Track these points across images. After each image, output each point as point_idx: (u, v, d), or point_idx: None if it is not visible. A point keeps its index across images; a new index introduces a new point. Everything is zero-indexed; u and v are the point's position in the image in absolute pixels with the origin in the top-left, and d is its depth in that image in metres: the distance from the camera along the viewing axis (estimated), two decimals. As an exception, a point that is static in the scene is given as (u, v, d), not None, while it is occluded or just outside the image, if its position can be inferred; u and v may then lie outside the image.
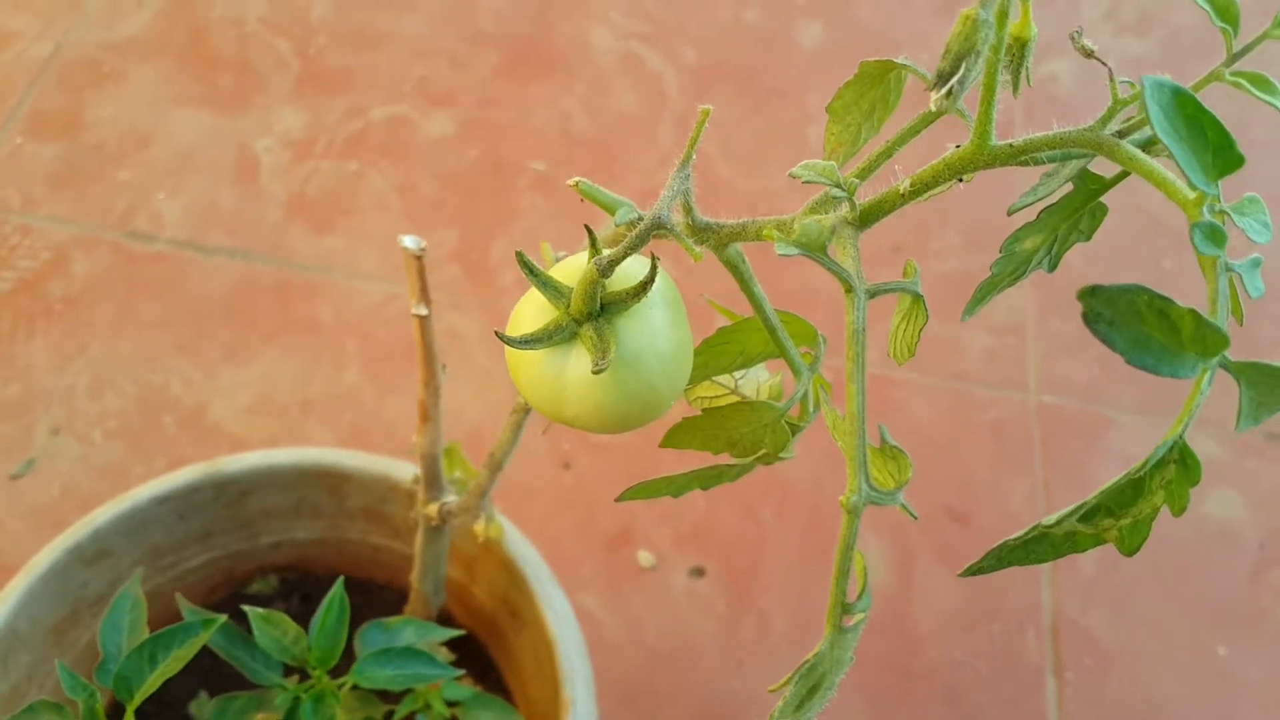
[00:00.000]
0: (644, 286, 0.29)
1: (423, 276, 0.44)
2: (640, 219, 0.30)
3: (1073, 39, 0.24)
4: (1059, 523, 0.22)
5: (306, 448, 0.65)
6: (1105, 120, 0.24)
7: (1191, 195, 0.21)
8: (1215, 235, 0.21)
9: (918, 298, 0.27)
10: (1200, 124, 0.20)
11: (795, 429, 0.33)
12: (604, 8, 1.23)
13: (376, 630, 0.48)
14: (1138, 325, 0.20)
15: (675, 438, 0.34)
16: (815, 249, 0.24)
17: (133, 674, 0.40)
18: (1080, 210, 0.29)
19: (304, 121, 1.11)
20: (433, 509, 0.53)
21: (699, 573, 0.88)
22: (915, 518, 0.25)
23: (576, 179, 0.30)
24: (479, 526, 0.60)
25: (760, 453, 0.34)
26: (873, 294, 0.25)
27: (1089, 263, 1.09)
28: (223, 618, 0.44)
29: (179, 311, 0.98)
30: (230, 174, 1.07)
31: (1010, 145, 0.24)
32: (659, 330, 0.30)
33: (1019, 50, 0.25)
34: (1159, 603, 0.90)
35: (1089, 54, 0.24)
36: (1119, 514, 0.22)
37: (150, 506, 0.62)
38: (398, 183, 1.08)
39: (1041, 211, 0.29)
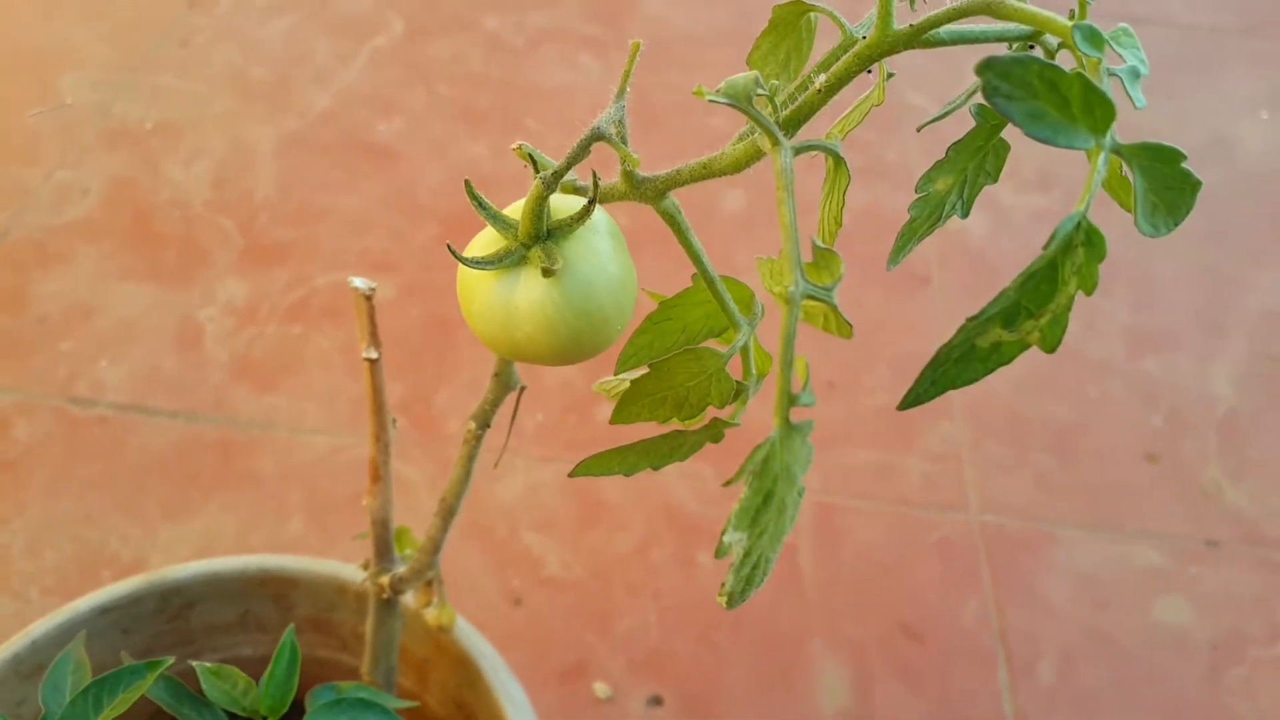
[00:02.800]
0: (589, 206, 0.31)
1: (373, 319, 0.45)
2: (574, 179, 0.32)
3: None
4: (980, 329, 0.24)
5: (251, 555, 0.64)
6: (990, -13, 0.27)
7: (1068, 22, 0.24)
8: (1094, 38, 0.23)
9: (839, 160, 0.29)
10: (1064, -58, 0.23)
11: (740, 388, 0.34)
12: (537, 181, 1.29)
13: (328, 689, 0.47)
14: (1033, 98, 0.22)
15: (624, 408, 0.35)
16: (741, 99, 0.26)
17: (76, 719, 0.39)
18: (985, 147, 0.31)
19: (247, 290, 1.13)
20: (384, 579, 0.52)
21: (657, 701, 0.86)
22: (849, 330, 0.26)
23: (519, 143, 0.32)
24: (431, 613, 0.59)
25: (709, 424, 0.35)
26: (798, 151, 0.27)
27: (1016, 393, 1.13)
28: (169, 660, 0.43)
29: (119, 472, 0.97)
30: (173, 342, 1.08)
31: (911, 26, 0.26)
32: (605, 253, 0.32)
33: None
34: (1121, 710, 0.89)
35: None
36: (1038, 312, 0.24)
37: (91, 617, 0.60)
38: (341, 343, 1.10)
39: (949, 148, 0.32)
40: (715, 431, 0.36)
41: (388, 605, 0.54)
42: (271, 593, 0.64)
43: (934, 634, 0.92)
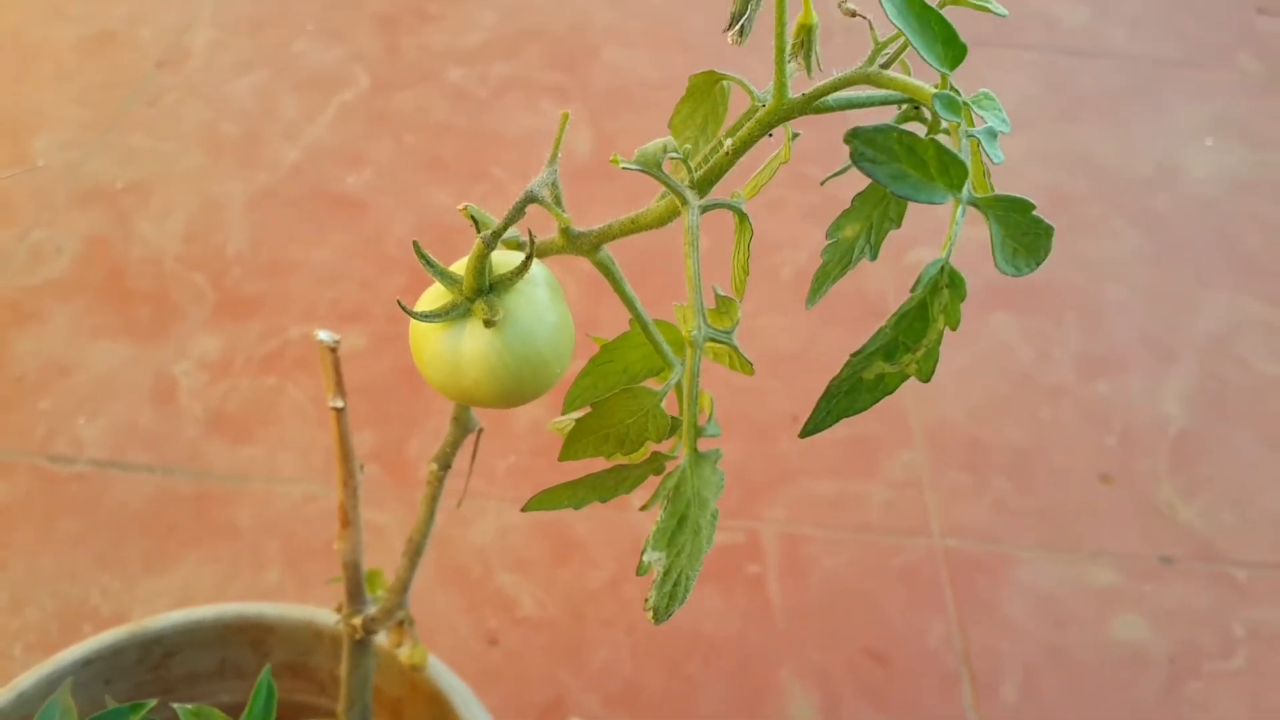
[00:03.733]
0: (526, 262, 0.34)
1: (338, 370, 0.48)
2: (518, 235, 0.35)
3: (840, 7, 0.30)
4: (865, 363, 0.26)
5: (228, 603, 0.66)
6: (871, 60, 0.30)
7: (932, 90, 0.27)
8: (952, 105, 0.26)
9: (743, 216, 0.31)
10: (927, 19, 0.26)
11: (676, 424, 0.37)
12: (503, 228, 1.32)
13: (305, 728, 0.49)
14: (894, 161, 0.25)
15: (570, 446, 0.37)
16: (651, 165, 0.29)
17: (63, 762, 0.41)
18: (886, 196, 0.34)
19: (220, 344, 1.16)
20: (357, 620, 0.54)
21: (630, 733, 0.88)
22: (750, 368, 0.29)
23: (465, 204, 0.35)
24: (404, 653, 0.61)
25: (650, 458, 0.38)
26: (705, 209, 0.30)
27: (973, 419, 1.16)
28: (152, 702, 0.45)
29: (98, 527, 0.99)
30: (149, 397, 1.10)
31: (804, 95, 0.29)
32: (543, 303, 0.35)
33: (807, 37, 0.31)
34: (1082, 725, 0.92)
35: (852, 14, 0.30)
36: (914, 347, 0.26)
37: (75, 669, 0.62)
38: (314, 394, 1.12)
39: (854, 198, 0.35)
40: (656, 464, 0.39)
41: (361, 646, 0.56)
42: (249, 640, 0.66)
43: (900, 657, 0.95)
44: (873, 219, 0.34)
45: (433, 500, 0.48)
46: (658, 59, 1.60)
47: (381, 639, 0.61)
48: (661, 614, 0.27)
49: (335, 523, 1.04)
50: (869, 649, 0.95)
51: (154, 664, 0.65)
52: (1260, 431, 1.17)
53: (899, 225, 0.35)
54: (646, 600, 0.28)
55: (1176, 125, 1.59)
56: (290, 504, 1.02)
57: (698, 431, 0.28)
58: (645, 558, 0.27)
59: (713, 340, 0.29)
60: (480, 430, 0.46)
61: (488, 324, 0.34)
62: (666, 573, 0.27)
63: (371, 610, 0.55)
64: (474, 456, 0.47)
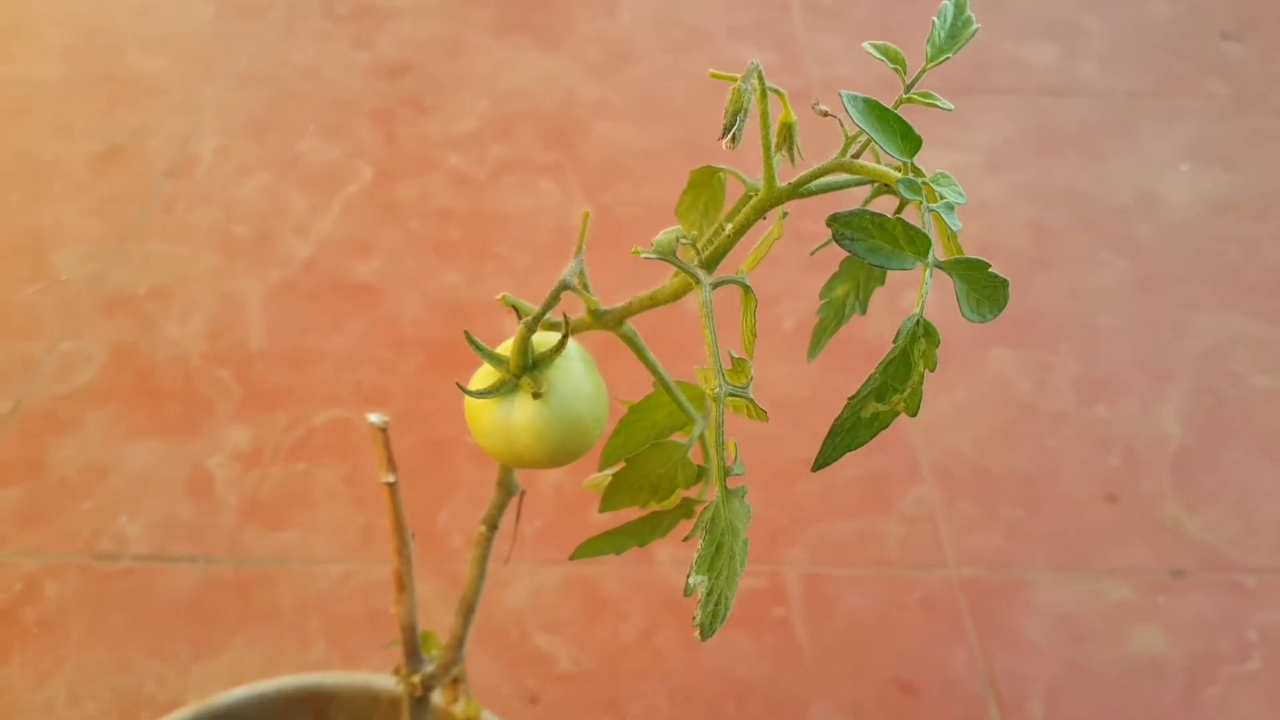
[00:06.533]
0: (563, 341, 0.39)
1: (388, 447, 0.52)
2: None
3: (814, 108, 0.35)
4: (861, 404, 0.31)
5: (288, 675, 0.70)
6: (844, 150, 0.34)
7: (896, 174, 0.32)
8: (913, 187, 0.31)
9: (747, 289, 0.36)
10: (887, 119, 0.31)
11: (701, 472, 0.42)
12: (512, 303, 1.38)
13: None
14: (869, 237, 0.29)
15: (609, 498, 0.42)
16: (667, 253, 0.34)
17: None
18: (870, 259, 0.39)
19: (250, 435, 1.20)
20: (416, 678, 0.58)
21: (674, 779, 0.91)
22: (765, 415, 0.34)
23: (503, 294, 0.40)
24: (458, 709, 0.65)
25: (680, 504, 0.42)
26: (715, 285, 0.35)
27: (980, 451, 1.20)
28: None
29: (147, 619, 1.03)
30: (185, 491, 1.15)
31: (790, 184, 0.34)
32: (580, 375, 0.40)
33: (788, 133, 0.36)
34: (1109, 738, 0.95)
35: (825, 114, 0.35)
36: (900, 388, 0.31)
37: (149, 749, 0.66)
38: (344, 475, 1.16)
39: (842, 262, 0.39)
40: (687, 509, 0.43)
41: (420, 704, 0.60)
42: (311, 709, 0.70)
43: (927, 686, 0.98)
44: (859, 279, 0.39)
45: (482, 560, 0.52)
46: (645, 129, 1.67)
47: (436, 697, 0.65)
48: (707, 630, 0.32)
49: (373, 597, 1.08)
50: (897, 680, 0.98)
51: (222, 741, 0.69)
52: (1257, 442, 1.21)
53: (883, 282, 0.39)
54: (694, 618, 0.32)
55: (1152, 154, 1.65)
56: (329, 583, 1.06)
57: (726, 471, 0.33)
58: (690, 580, 0.31)
59: (732, 395, 0.33)
60: (523, 493, 0.50)
61: (536, 396, 0.38)
62: (709, 593, 0.32)
63: (429, 668, 0.59)
64: (518, 517, 0.51)
